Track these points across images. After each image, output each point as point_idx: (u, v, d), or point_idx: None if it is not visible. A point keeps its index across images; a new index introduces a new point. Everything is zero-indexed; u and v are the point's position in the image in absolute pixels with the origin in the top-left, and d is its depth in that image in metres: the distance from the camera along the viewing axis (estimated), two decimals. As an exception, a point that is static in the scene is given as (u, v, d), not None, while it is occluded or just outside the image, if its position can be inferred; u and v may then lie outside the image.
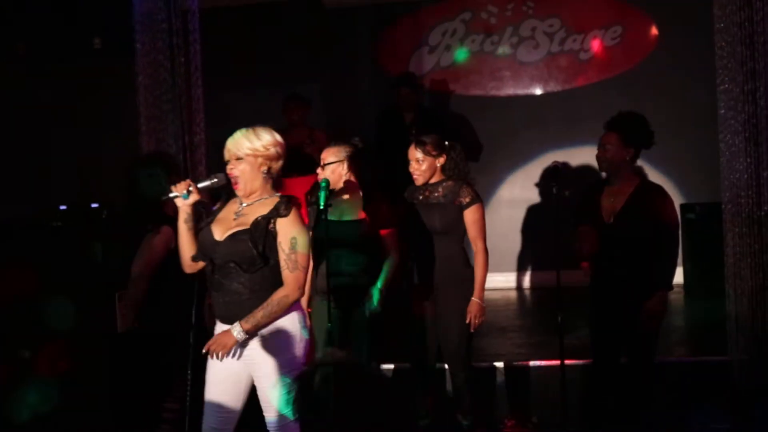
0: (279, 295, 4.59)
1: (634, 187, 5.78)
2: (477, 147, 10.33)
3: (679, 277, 9.52)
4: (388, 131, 9.31)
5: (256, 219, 4.62)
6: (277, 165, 4.78)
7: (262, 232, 4.60)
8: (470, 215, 6.02)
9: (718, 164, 7.11)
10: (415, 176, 6.09)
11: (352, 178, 5.91)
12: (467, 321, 5.96)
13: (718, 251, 7.10)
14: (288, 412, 4.71)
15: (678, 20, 9.93)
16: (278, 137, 4.78)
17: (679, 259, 9.43)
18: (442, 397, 6.41)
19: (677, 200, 9.87)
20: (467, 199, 6.02)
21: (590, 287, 5.92)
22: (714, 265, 7.49)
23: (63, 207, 8.73)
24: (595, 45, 10.39)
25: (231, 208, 4.82)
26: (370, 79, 10.49)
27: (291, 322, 4.71)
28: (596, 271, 5.90)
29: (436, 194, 6.08)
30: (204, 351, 4.70)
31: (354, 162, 5.92)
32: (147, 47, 7.52)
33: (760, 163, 6.79)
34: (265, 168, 4.72)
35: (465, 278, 6.01)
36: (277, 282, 4.63)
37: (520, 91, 10.58)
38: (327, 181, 5.66)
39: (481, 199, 6.12)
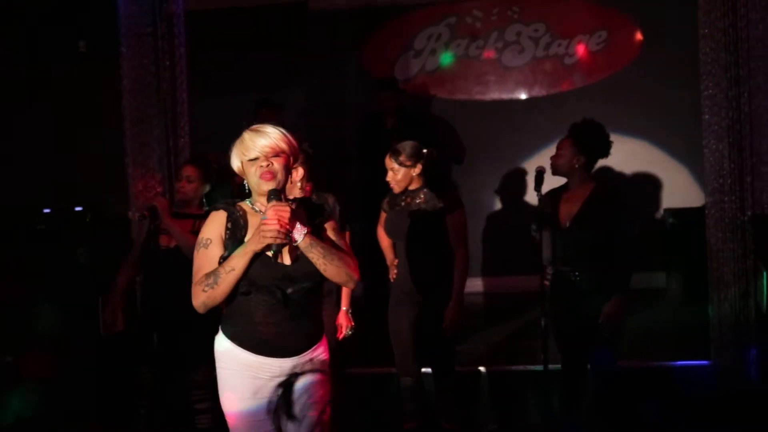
0: (348, 258, 4.15)
1: (589, 191, 5.74)
2: (461, 151, 10.34)
3: (661, 281, 9.57)
4: (370, 137, 9.31)
5: (314, 229, 4.09)
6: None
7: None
8: (452, 221, 6.03)
9: (702, 169, 7.15)
10: (391, 185, 6.10)
11: (305, 184, 5.77)
12: (444, 326, 5.97)
13: (701, 256, 7.12)
14: None
15: (663, 26, 9.94)
16: None
17: (662, 264, 9.58)
18: (426, 402, 6.40)
19: (661, 204, 9.93)
20: (448, 205, 6.02)
21: (548, 293, 5.89)
22: (697, 270, 7.50)
23: (47, 210, 8.71)
24: (580, 50, 10.41)
25: (252, 223, 4.10)
26: (356, 84, 10.46)
27: None
28: (554, 277, 5.87)
29: (417, 201, 6.07)
30: None
31: (306, 168, 5.87)
32: (132, 51, 7.51)
33: (744, 169, 6.83)
34: (290, 170, 4.15)
35: (449, 283, 6.01)
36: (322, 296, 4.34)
37: (505, 96, 10.57)
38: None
39: (462, 204, 6.13)
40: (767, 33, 6.79)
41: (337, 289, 5.88)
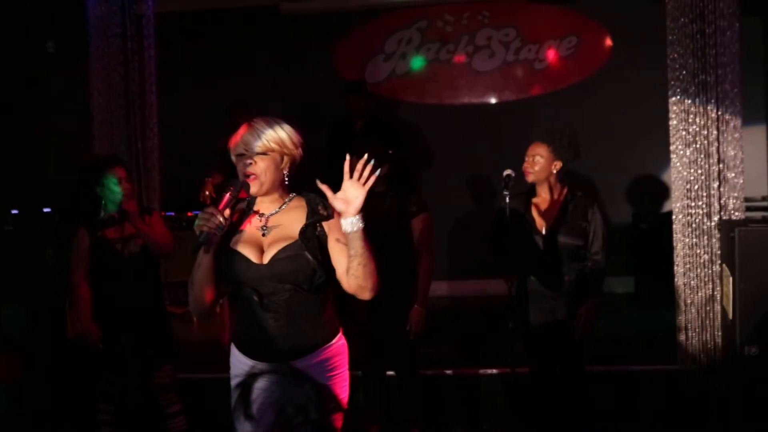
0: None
1: (563, 197, 5.81)
2: (430, 155, 10.35)
3: (629, 286, 9.62)
4: (339, 139, 9.30)
5: (303, 228, 3.93)
6: (295, 167, 4.02)
7: (314, 242, 3.93)
8: (418, 224, 6.03)
9: (669, 175, 7.19)
10: None
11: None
12: (407, 328, 5.96)
13: (668, 261, 7.15)
14: None
15: (632, 32, 9.99)
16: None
17: (630, 269, 9.63)
18: (391, 405, 6.40)
19: (629, 210, 9.98)
20: (415, 208, 6.03)
21: (519, 296, 5.89)
22: (664, 275, 7.53)
23: (15, 211, 8.66)
24: (551, 55, 10.44)
25: (246, 223, 4.01)
26: (327, 87, 10.43)
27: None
28: (526, 281, 5.88)
29: (383, 203, 6.06)
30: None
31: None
32: (101, 52, 7.48)
33: (710, 174, 6.87)
34: (287, 168, 3.97)
35: (414, 286, 6.01)
36: (333, 295, 4.06)
37: (476, 100, 10.61)
38: None
39: (428, 207, 6.12)
40: (734, 40, 6.84)
41: None
